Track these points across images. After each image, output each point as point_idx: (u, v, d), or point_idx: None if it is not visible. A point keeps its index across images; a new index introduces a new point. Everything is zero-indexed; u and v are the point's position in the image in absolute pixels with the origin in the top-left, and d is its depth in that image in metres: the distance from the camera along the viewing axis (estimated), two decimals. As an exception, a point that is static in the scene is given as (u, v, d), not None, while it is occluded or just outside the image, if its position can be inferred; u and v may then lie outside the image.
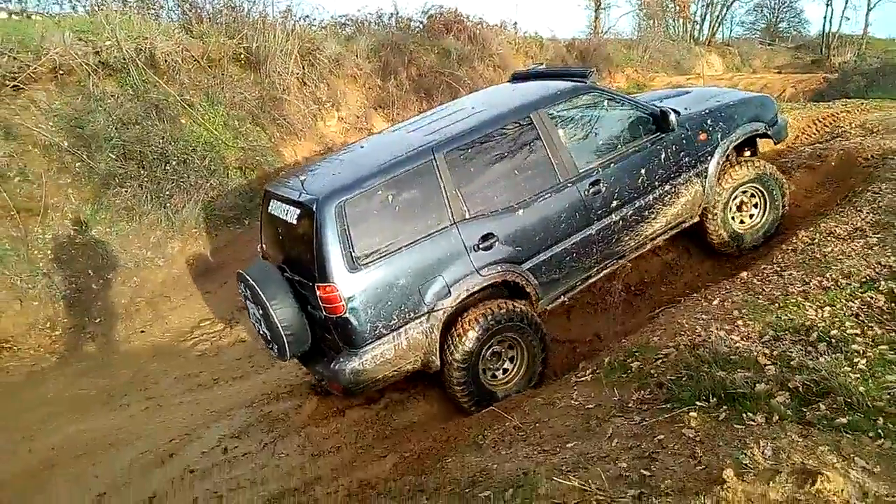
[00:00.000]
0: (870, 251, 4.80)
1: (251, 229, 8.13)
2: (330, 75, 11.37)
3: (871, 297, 4.11)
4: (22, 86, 7.56)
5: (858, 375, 3.23)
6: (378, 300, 4.37)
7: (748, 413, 2.97)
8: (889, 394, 3.05)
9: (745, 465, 2.56)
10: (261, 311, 4.64)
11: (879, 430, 2.77)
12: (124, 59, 8.37)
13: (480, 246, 4.64)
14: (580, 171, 5.08)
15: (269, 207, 5.02)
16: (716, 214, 5.80)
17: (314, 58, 11.07)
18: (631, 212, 5.31)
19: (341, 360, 4.44)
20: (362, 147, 5.64)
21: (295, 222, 4.57)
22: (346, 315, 4.29)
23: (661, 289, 6.09)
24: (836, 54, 33.28)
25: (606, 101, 5.45)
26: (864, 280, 4.37)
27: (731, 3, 38.78)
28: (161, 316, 7.04)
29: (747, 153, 6.24)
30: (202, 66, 9.38)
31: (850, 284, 4.35)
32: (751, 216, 6.06)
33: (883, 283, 4.25)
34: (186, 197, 7.85)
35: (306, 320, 4.63)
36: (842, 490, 2.36)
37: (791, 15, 47.85)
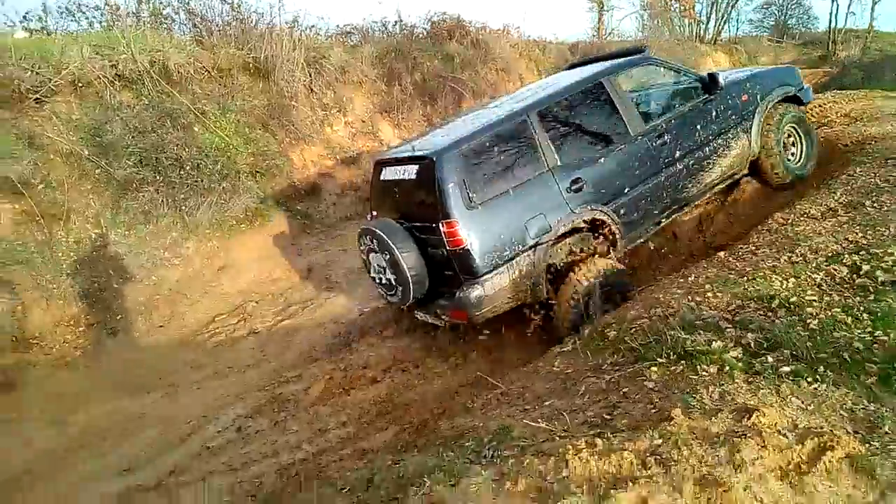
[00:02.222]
0: (839, 229, 5.10)
1: (262, 229, 8.55)
2: (336, 82, 11.73)
3: (835, 269, 4.42)
4: (44, 98, 7.99)
5: (808, 333, 3.54)
6: (492, 234, 5.04)
7: (702, 366, 3.30)
8: (834, 347, 3.37)
9: (693, 405, 2.89)
10: (387, 257, 5.29)
11: (818, 377, 3.10)
12: (139, 72, 8.80)
13: (572, 188, 5.37)
14: (646, 126, 5.88)
15: (382, 174, 5.80)
16: (774, 153, 6.65)
17: (320, 66, 11.43)
18: (692, 161, 6.12)
19: (465, 288, 5.06)
20: (460, 119, 6.36)
21: (414, 177, 5.24)
22: (467, 247, 4.95)
23: (649, 272, 6.40)
24: (842, 49, 33.37)
25: (663, 70, 6.49)
26: (830, 255, 4.67)
27: (736, 2, 38.86)
28: (178, 312, 7.42)
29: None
30: (213, 76, 9.79)
31: (816, 258, 4.66)
32: (793, 153, 6.95)
33: (847, 256, 4.55)
34: (200, 200, 8.23)
35: (425, 264, 5.27)
36: (775, 423, 2.68)
37: (800, 12, 47.81)
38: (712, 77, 6.19)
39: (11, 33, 9.68)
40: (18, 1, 21.38)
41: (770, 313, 3.91)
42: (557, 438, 2.85)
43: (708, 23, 37.51)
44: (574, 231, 5.51)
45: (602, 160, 5.57)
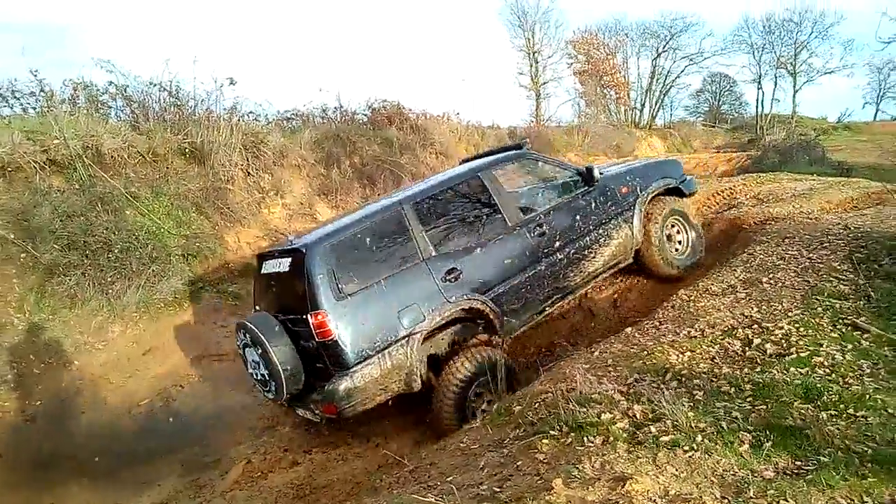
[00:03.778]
0: (737, 304, 5.40)
1: (191, 311, 8.51)
2: (274, 166, 11.91)
3: (729, 343, 4.68)
4: (-30, 182, 7.99)
5: (693, 404, 3.74)
6: (362, 325, 5.05)
7: (589, 437, 3.44)
8: (713, 417, 3.56)
9: (574, 475, 3.01)
10: (259, 352, 5.21)
11: (695, 445, 3.26)
12: (71, 156, 8.85)
13: (448, 278, 5.48)
14: (525, 217, 6.14)
15: (262, 268, 5.78)
16: (656, 248, 6.89)
17: (258, 150, 11.61)
18: (573, 251, 6.30)
19: (335, 380, 4.98)
20: (344, 214, 6.57)
21: (287, 269, 5.29)
22: (336, 338, 4.93)
23: (567, 348, 6.60)
24: (768, 133, 35.37)
25: (540, 163, 6.87)
26: (725, 329, 4.95)
27: (668, 91, 41.17)
28: (101, 397, 7.25)
29: None
30: (147, 161, 9.86)
31: (713, 333, 4.92)
32: (680, 242, 7.21)
33: (741, 330, 4.83)
34: (128, 283, 8.18)
35: (300, 359, 5.21)
36: (647, 490, 2.82)
37: (732, 98, 50.80)
38: (589, 170, 6.53)
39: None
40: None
41: (662, 385, 4.10)
42: (443, 512, 2.94)
43: (643, 109, 39.52)
44: (456, 321, 5.61)
45: (479, 250, 5.74)
